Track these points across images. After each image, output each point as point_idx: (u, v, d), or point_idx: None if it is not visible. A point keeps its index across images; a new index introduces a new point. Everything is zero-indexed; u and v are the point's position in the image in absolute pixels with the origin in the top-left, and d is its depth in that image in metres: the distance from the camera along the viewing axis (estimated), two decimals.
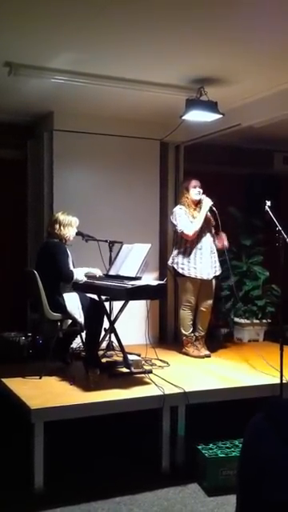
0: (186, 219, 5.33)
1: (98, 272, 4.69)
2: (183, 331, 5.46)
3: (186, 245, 5.36)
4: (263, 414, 2.00)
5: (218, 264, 5.44)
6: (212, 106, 4.82)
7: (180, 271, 5.39)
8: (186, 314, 5.43)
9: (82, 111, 5.58)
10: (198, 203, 5.36)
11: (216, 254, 5.45)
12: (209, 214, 5.36)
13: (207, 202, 5.29)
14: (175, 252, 5.48)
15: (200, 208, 5.34)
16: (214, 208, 5.32)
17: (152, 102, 5.24)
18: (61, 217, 4.68)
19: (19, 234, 6.10)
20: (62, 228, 4.63)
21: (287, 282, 4.49)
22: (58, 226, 4.63)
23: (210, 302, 5.47)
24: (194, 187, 5.38)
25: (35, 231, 6.01)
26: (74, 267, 4.65)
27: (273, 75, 4.58)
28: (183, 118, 4.93)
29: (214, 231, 5.46)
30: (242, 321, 6.36)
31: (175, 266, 5.43)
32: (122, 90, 4.82)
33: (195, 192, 5.37)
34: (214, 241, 5.44)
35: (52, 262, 4.52)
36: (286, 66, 4.35)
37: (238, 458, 2.45)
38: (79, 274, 4.55)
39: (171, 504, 3.51)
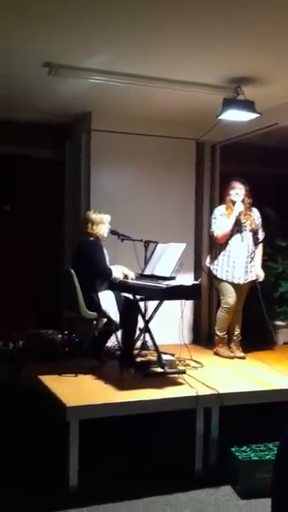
0: (221, 220, 5.31)
1: (132, 275, 4.71)
2: (218, 332, 5.44)
3: (220, 247, 5.35)
4: None
5: (256, 268, 5.39)
6: (249, 106, 4.78)
7: (214, 272, 5.39)
8: (224, 317, 5.38)
9: (119, 111, 5.60)
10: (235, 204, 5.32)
11: (255, 259, 5.40)
12: (250, 217, 5.32)
13: (238, 207, 5.26)
14: (212, 254, 5.49)
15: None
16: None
17: (188, 101, 5.23)
18: (92, 215, 4.73)
19: (56, 234, 6.17)
20: (94, 226, 4.69)
21: None
22: (90, 225, 4.69)
23: (242, 303, 5.43)
24: (233, 188, 5.35)
25: (72, 231, 6.07)
26: (109, 265, 4.69)
27: None
28: (220, 117, 4.91)
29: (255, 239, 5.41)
30: (277, 323, 6.29)
31: (211, 267, 5.43)
32: (158, 89, 4.82)
33: (234, 193, 5.34)
34: (253, 245, 5.38)
35: (89, 260, 4.56)
36: None
37: (273, 461, 2.43)
38: (117, 272, 4.58)
39: (204, 506, 3.51)
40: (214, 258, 5.43)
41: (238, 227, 5.29)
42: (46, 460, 3.97)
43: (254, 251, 5.39)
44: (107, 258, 4.68)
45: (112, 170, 5.89)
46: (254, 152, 6.52)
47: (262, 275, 5.43)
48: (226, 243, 5.30)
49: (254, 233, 5.38)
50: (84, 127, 5.88)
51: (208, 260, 5.57)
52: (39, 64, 4.35)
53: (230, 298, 5.32)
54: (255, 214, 5.44)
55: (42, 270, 5.95)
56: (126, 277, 4.68)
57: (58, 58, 4.32)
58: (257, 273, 5.40)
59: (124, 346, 4.73)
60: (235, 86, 4.75)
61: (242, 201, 5.30)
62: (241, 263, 5.29)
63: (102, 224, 4.71)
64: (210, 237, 5.72)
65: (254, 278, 5.38)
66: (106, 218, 4.75)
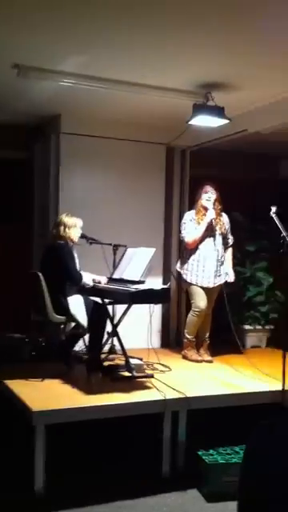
0: (191, 226, 5.35)
1: (103, 280, 4.69)
2: (187, 335, 5.46)
3: (190, 251, 5.37)
4: (266, 424, 1.99)
5: (225, 272, 5.44)
6: (219, 112, 4.83)
7: (184, 277, 5.41)
8: (195, 320, 5.40)
9: (89, 114, 5.59)
10: (207, 209, 5.35)
11: (224, 263, 5.44)
12: (220, 222, 5.37)
13: (209, 215, 5.29)
14: (182, 258, 5.52)
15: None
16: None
17: (159, 106, 5.25)
18: (65, 218, 4.69)
19: (24, 236, 6.11)
20: (66, 229, 4.65)
21: None
22: (62, 228, 4.65)
23: (212, 305, 5.47)
24: (206, 192, 5.38)
25: (40, 233, 6.03)
26: (79, 269, 4.66)
27: (280, 81, 4.58)
28: (190, 122, 4.94)
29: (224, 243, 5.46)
30: (245, 327, 6.35)
31: (181, 272, 5.46)
32: (129, 94, 4.83)
33: (205, 197, 5.37)
34: (223, 249, 5.43)
35: (59, 264, 4.52)
36: None
37: (240, 465, 2.44)
38: (87, 279, 4.55)
39: (171, 509, 3.51)
40: (184, 263, 5.46)
41: (208, 232, 5.32)
42: (12, 465, 3.91)
43: (223, 255, 5.43)
44: (77, 262, 4.65)
45: (82, 173, 5.87)
46: (223, 157, 6.58)
47: (232, 276, 5.48)
48: (196, 247, 5.33)
49: (224, 237, 5.43)
50: (53, 129, 5.85)
51: (178, 264, 5.59)
52: (8, 65, 4.30)
53: (200, 301, 5.35)
54: (224, 218, 5.49)
55: (10, 273, 5.89)
56: (99, 282, 4.64)
57: (27, 60, 4.28)
58: (228, 273, 5.44)
59: (91, 350, 4.70)
60: (205, 92, 4.80)
61: (213, 205, 5.33)
62: (211, 267, 5.33)
63: (74, 228, 4.68)
64: (179, 241, 5.74)
65: (223, 282, 5.42)
66: (79, 222, 4.73)
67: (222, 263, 5.42)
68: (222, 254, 5.41)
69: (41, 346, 5.00)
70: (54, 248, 4.69)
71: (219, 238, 5.38)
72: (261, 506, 1.85)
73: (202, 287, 5.33)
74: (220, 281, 5.39)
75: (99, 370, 4.48)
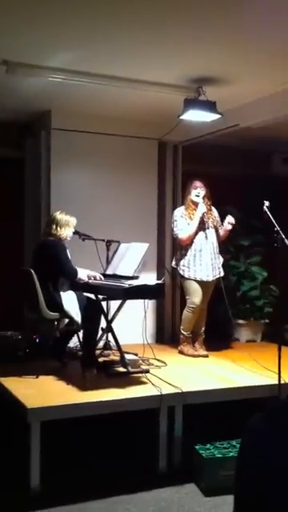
0: (183, 222, 5.34)
1: (98, 276, 4.66)
2: (183, 331, 5.45)
3: (186, 247, 5.36)
4: (261, 416, 1.97)
5: (221, 266, 5.43)
6: (210, 106, 4.81)
7: (181, 273, 5.40)
8: (190, 316, 5.39)
9: (80, 110, 5.56)
10: (197, 205, 5.35)
11: (219, 256, 5.44)
12: (211, 216, 5.36)
13: (200, 209, 5.29)
14: (177, 254, 5.50)
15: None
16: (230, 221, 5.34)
17: (150, 101, 5.23)
18: (58, 216, 4.63)
19: (16, 233, 6.07)
20: (58, 228, 4.58)
21: (285, 283, 4.47)
22: (54, 226, 4.59)
23: (207, 301, 5.46)
24: (195, 188, 5.38)
25: (32, 230, 5.99)
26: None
27: (272, 76, 4.58)
28: (181, 117, 4.92)
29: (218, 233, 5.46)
30: (240, 321, 6.35)
31: (178, 268, 5.45)
32: (119, 89, 4.81)
33: (195, 193, 5.37)
34: (217, 242, 5.43)
35: (52, 261, 4.47)
36: (285, 66, 4.35)
37: (236, 459, 2.43)
38: (82, 274, 4.53)
39: (168, 504, 3.49)
40: (179, 259, 5.43)
41: (201, 226, 5.31)
42: (8, 462, 3.89)
43: (218, 248, 5.43)
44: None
45: (73, 170, 5.84)
46: (216, 152, 6.56)
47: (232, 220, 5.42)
48: (191, 242, 5.32)
49: (216, 230, 5.43)
50: (44, 126, 5.81)
51: (174, 262, 5.59)
52: None
53: (196, 297, 5.33)
54: (214, 212, 5.49)
55: (2, 270, 5.86)
56: (94, 277, 4.61)
57: (16, 56, 4.25)
58: (220, 267, 5.43)
59: (86, 347, 4.68)
60: (197, 87, 4.78)
61: (203, 201, 5.33)
62: (207, 261, 5.32)
63: (66, 226, 4.61)
64: (172, 238, 5.72)
65: (221, 275, 5.41)
66: (73, 221, 4.66)
67: (218, 256, 5.41)
68: (216, 247, 5.40)
69: (35, 343, 4.97)
70: (46, 245, 4.65)
71: (212, 232, 5.37)
72: (257, 498, 1.82)
73: (200, 282, 5.32)
74: (217, 274, 5.38)
75: (94, 366, 4.45)
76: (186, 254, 5.37)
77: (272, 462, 1.77)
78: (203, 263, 5.31)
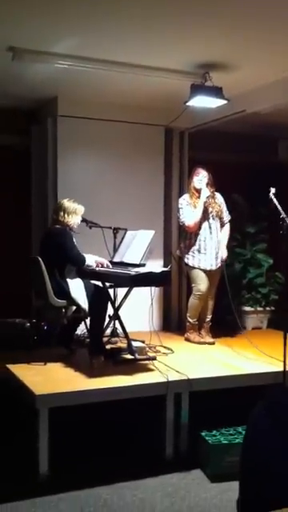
0: (188, 210, 5.35)
1: (106, 262, 4.67)
2: (189, 319, 5.48)
3: (191, 235, 5.37)
4: (264, 403, 1.99)
5: (223, 247, 5.43)
6: (217, 92, 4.78)
7: (186, 261, 5.42)
8: (196, 303, 5.42)
9: (87, 97, 5.54)
10: (200, 192, 5.34)
11: (224, 238, 5.46)
12: (213, 202, 5.36)
13: (205, 193, 5.29)
14: (181, 243, 5.52)
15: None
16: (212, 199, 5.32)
17: (157, 87, 5.20)
18: (66, 204, 4.63)
19: (23, 221, 6.08)
20: (66, 215, 4.59)
21: None
22: (62, 213, 4.60)
23: (214, 289, 5.48)
24: (197, 175, 5.39)
25: (39, 218, 6.00)
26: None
27: (279, 61, 4.54)
28: (188, 103, 4.90)
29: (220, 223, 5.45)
30: (246, 308, 6.36)
31: (182, 257, 5.47)
32: (126, 75, 4.78)
33: (197, 179, 5.36)
34: (221, 227, 5.44)
35: (60, 248, 4.49)
36: None
37: (241, 446, 2.46)
38: (90, 260, 4.54)
39: (175, 490, 3.54)
40: (184, 247, 5.45)
41: (205, 214, 5.31)
42: (17, 449, 3.94)
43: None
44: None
45: (79, 157, 5.83)
46: (223, 138, 6.53)
47: (225, 255, 5.43)
48: (196, 231, 5.32)
49: (220, 218, 5.43)
50: (50, 113, 5.79)
51: (178, 251, 5.61)
52: (3, 48, 4.25)
53: (201, 284, 5.35)
54: (219, 199, 5.49)
55: (9, 258, 5.88)
56: (102, 266, 4.63)
57: (22, 43, 4.23)
58: (221, 253, 5.42)
59: (93, 334, 4.70)
60: (203, 72, 4.75)
61: (206, 186, 5.32)
62: (211, 250, 5.34)
63: (74, 214, 4.62)
64: (179, 225, 5.72)
65: (224, 257, 5.42)
66: (80, 209, 4.66)
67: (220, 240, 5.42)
68: (218, 232, 5.41)
69: (43, 330, 5.00)
70: (53, 233, 4.65)
71: (215, 220, 5.38)
72: (262, 484, 1.85)
73: (204, 270, 5.33)
74: (224, 254, 5.40)
75: (101, 354, 4.48)
76: (189, 243, 5.39)
77: (272, 457, 1.79)
78: (208, 252, 5.33)
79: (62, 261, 4.50)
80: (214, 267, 5.35)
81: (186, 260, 5.43)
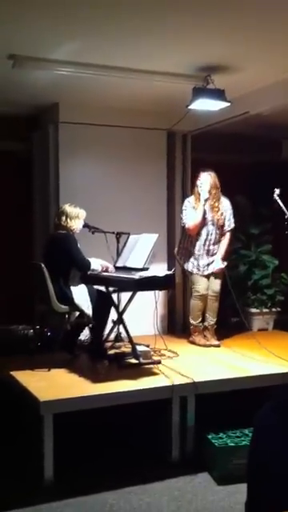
0: (191, 212, 5.35)
1: (110, 267, 4.67)
2: (192, 321, 5.49)
3: (190, 238, 5.38)
4: (271, 404, 1.97)
5: (218, 258, 5.41)
6: (219, 94, 4.76)
7: (184, 266, 5.45)
8: (196, 304, 5.45)
9: (88, 102, 5.55)
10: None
11: (222, 248, 5.43)
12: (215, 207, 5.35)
13: (202, 196, 5.29)
14: (179, 247, 5.56)
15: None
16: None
17: (158, 91, 5.20)
18: (68, 209, 4.65)
19: (25, 227, 6.10)
20: (68, 220, 4.61)
21: None
22: (64, 218, 4.62)
23: (217, 290, 5.45)
24: (198, 179, 5.41)
25: (41, 223, 6.01)
26: None
27: (280, 62, 4.52)
28: (190, 107, 4.88)
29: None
30: (252, 310, 6.33)
31: (178, 258, 5.49)
32: (127, 80, 4.78)
33: (199, 183, 5.39)
34: (217, 235, 5.42)
35: (64, 253, 4.50)
36: None
37: (248, 449, 2.43)
38: (95, 264, 4.54)
39: (182, 493, 3.51)
40: (180, 251, 5.51)
41: (205, 219, 5.31)
42: (22, 455, 3.93)
43: (217, 241, 5.41)
44: None
45: (81, 162, 5.83)
46: (225, 140, 6.52)
47: (218, 266, 5.37)
48: (196, 235, 5.33)
49: (221, 225, 5.40)
50: (51, 119, 5.80)
51: (176, 250, 5.60)
52: (3, 56, 4.27)
53: (199, 286, 5.39)
54: (224, 204, 5.44)
55: (12, 265, 5.88)
56: (106, 270, 4.63)
57: (22, 50, 4.24)
58: (215, 263, 5.38)
59: (95, 339, 4.70)
60: (205, 75, 4.73)
61: (209, 192, 5.30)
62: (207, 257, 5.36)
63: (76, 219, 4.65)
64: (182, 228, 5.71)
65: (223, 266, 5.39)
66: (82, 213, 4.69)
67: (217, 248, 5.40)
68: (217, 241, 5.38)
69: (46, 336, 4.99)
70: (58, 238, 4.67)
71: (215, 227, 5.36)
72: (271, 486, 1.83)
73: (201, 275, 5.36)
74: (217, 265, 5.36)
75: (104, 358, 4.47)
76: (187, 246, 5.41)
77: (277, 459, 1.77)
78: (203, 258, 5.36)
79: (68, 266, 4.51)
80: (206, 272, 5.36)
81: (184, 266, 5.46)
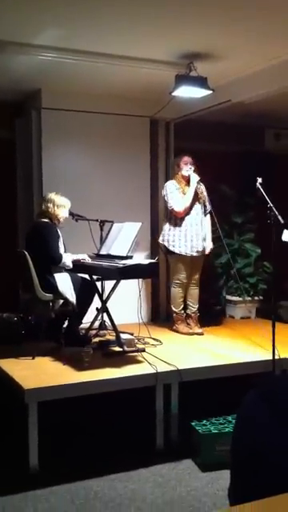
0: (178, 195, 5.32)
1: (85, 257, 4.66)
2: (174, 308, 5.50)
3: (176, 221, 5.35)
4: (257, 391, 1.99)
5: (208, 239, 5.43)
6: (202, 82, 4.77)
7: (171, 248, 5.38)
8: (176, 292, 5.45)
9: (71, 88, 5.50)
10: (188, 180, 5.34)
11: (208, 230, 5.44)
12: (199, 189, 5.36)
13: (194, 178, 5.28)
14: (166, 229, 5.45)
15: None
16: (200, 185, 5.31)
17: (141, 78, 5.17)
18: (54, 197, 4.67)
19: (8, 215, 6.04)
20: (55, 208, 4.63)
21: (279, 259, 4.48)
22: (51, 205, 4.63)
23: (197, 276, 5.47)
24: (186, 164, 5.37)
25: (25, 211, 5.96)
26: (65, 249, 4.64)
27: (263, 51, 4.53)
28: (173, 94, 4.87)
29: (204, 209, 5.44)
30: (234, 298, 6.37)
31: (166, 244, 5.42)
32: (110, 66, 4.75)
33: (186, 169, 5.35)
34: (205, 216, 5.43)
35: (42, 243, 4.50)
36: (275, 41, 4.30)
37: (232, 434, 2.46)
38: (68, 260, 4.53)
39: (166, 480, 3.54)
40: (168, 235, 5.40)
41: (194, 200, 5.31)
42: (6, 443, 3.92)
43: (203, 221, 5.43)
44: (61, 242, 4.62)
45: (64, 149, 5.79)
46: (209, 128, 6.51)
47: (209, 247, 5.45)
48: (183, 217, 5.31)
49: (204, 205, 5.42)
50: (34, 105, 5.74)
51: (161, 237, 5.53)
52: None
53: (180, 274, 5.40)
54: (202, 187, 5.45)
55: None
56: (81, 260, 4.62)
57: (4, 35, 4.18)
58: (207, 245, 5.42)
59: (71, 324, 4.71)
60: (188, 62, 4.73)
61: (194, 172, 5.32)
62: (198, 235, 5.33)
63: (62, 208, 4.66)
64: (165, 211, 5.66)
65: (209, 249, 5.42)
66: (67, 202, 4.69)
67: (200, 229, 5.41)
68: (201, 220, 5.39)
69: (30, 324, 4.98)
70: (39, 226, 4.67)
71: (199, 206, 5.37)
72: (253, 473, 1.85)
73: (190, 256, 5.33)
74: (206, 246, 5.38)
75: (77, 343, 4.48)
76: (174, 230, 5.36)
77: (267, 443, 1.79)
78: (194, 238, 5.32)
79: (46, 256, 4.49)
80: (198, 253, 5.34)
81: (171, 248, 5.36)
